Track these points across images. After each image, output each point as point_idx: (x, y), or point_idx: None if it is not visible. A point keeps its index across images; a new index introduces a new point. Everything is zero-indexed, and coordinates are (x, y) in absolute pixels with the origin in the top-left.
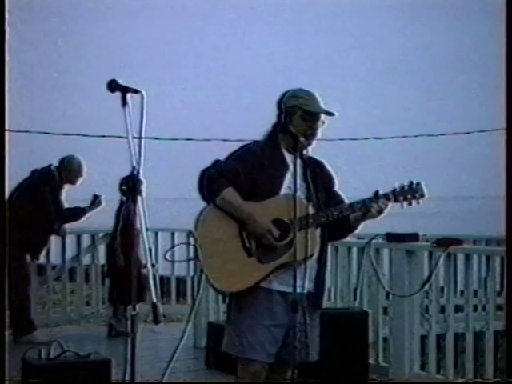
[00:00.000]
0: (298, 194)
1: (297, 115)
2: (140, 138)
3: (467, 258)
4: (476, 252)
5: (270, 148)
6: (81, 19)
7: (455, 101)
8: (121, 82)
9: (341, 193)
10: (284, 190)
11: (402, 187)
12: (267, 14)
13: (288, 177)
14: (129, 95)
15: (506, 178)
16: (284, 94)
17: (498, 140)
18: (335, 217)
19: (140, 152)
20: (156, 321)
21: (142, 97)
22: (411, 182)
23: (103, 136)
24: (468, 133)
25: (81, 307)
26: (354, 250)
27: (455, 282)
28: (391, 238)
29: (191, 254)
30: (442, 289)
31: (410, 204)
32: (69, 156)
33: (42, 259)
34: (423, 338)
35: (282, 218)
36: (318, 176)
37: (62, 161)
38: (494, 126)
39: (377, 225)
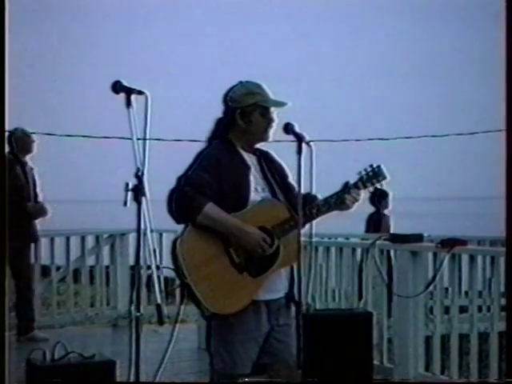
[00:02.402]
0: (266, 194)
1: (256, 113)
2: (144, 139)
3: (472, 258)
4: (480, 253)
5: (228, 150)
6: (86, 20)
7: (458, 101)
8: (125, 83)
9: (293, 182)
10: (252, 194)
11: (367, 174)
12: (273, 15)
13: (252, 178)
14: (133, 96)
15: (505, 180)
16: (231, 91)
17: (502, 140)
18: (315, 216)
19: (144, 153)
20: (160, 322)
21: (147, 98)
22: (372, 167)
23: (107, 137)
24: (473, 133)
25: (85, 308)
26: (359, 250)
27: (459, 283)
28: (395, 238)
29: None
30: (447, 289)
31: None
32: (8, 132)
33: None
34: (428, 339)
35: (264, 225)
36: (272, 169)
37: (8, 139)
38: (498, 126)
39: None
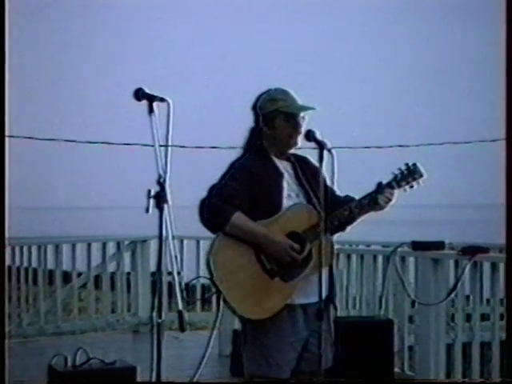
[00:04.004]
0: (300, 200)
1: (279, 119)
2: (166, 145)
3: (493, 266)
4: (502, 260)
5: (261, 157)
6: (104, 25)
7: (459, 109)
8: (147, 90)
9: (331, 185)
10: (285, 200)
11: (402, 172)
12: (294, 22)
13: (285, 184)
14: (155, 103)
15: (506, 187)
16: (258, 99)
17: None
18: (346, 217)
19: (166, 160)
20: (182, 328)
21: (169, 105)
22: (407, 165)
23: (129, 144)
24: (482, 141)
25: (106, 315)
26: (380, 258)
27: (481, 291)
28: (417, 246)
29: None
30: (468, 297)
31: (412, 187)
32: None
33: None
34: (449, 347)
35: (295, 230)
36: (309, 175)
37: None
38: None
39: (402, 233)
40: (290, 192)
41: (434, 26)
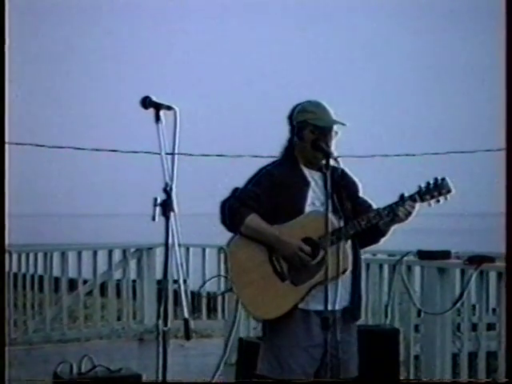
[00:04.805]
0: (323, 208)
1: (307, 130)
2: (173, 153)
3: (499, 275)
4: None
5: (289, 166)
6: (114, 30)
7: (463, 117)
8: (154, 98)
9: (366, 198)
10: (308, 207)
11: (427, 186)
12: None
13: (310, 193)
14: (162, 111)
15: (506, 197)
16: (293, 109)
17: None
18: (363, 227)
19: (173, 168)
20: (187, 336)
21: (175, 113)
22: (436, 179)
23: (136, 152)
24: (489, 150)
25: (111, 322)
26: (386, 267)
27: (487, 300)
28: (423, 255)
29: (222, 271)
30: (474, 307)
31: (438, 201)
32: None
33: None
34: (455, 356)
35: (310, 236)
36: (340, 186)
37: None
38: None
39: (408, 242)
40: (314, 200)
41: (436, 31)
